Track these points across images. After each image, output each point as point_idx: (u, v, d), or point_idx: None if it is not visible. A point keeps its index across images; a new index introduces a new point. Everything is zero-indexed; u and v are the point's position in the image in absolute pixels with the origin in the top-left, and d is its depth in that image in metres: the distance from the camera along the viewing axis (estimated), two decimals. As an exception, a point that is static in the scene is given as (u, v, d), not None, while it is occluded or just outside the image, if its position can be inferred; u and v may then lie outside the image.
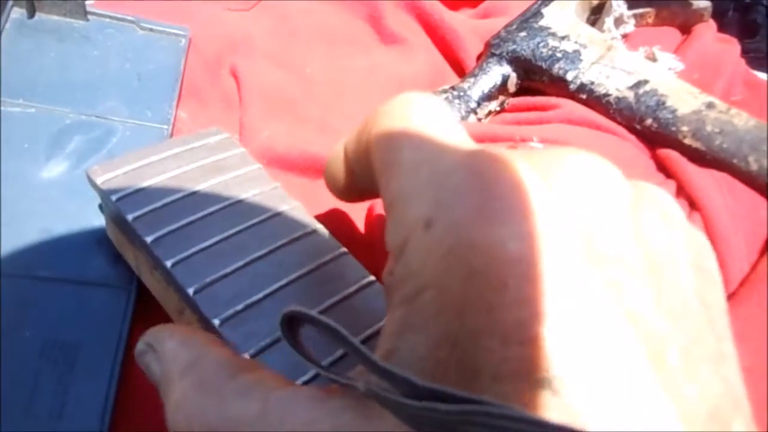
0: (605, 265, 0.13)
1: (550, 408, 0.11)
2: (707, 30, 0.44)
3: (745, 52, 0.45)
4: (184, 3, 0.53)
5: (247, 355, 0.24)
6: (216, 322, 0.25)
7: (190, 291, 0.27)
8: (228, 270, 0.27)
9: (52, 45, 0.41)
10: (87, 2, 0.43)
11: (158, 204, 0.31)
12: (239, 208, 0.30)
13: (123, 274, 0.33)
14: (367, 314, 0.26)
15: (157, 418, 0.31)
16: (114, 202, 0.30)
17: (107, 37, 0.43)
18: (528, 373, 0.11)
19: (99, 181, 0.31)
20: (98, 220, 0.35)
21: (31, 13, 0.42)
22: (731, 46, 0.43)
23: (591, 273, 0.13)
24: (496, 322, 0.12)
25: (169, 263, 0.28)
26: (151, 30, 0.44)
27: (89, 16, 0.43)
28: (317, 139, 0.41)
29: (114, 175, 0.31)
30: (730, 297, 0.30)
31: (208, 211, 0.30)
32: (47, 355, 0.31)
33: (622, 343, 0.12)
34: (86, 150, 0.37)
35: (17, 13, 0.42)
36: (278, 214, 0.30)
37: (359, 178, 0.21)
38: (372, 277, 0.27)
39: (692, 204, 0.33)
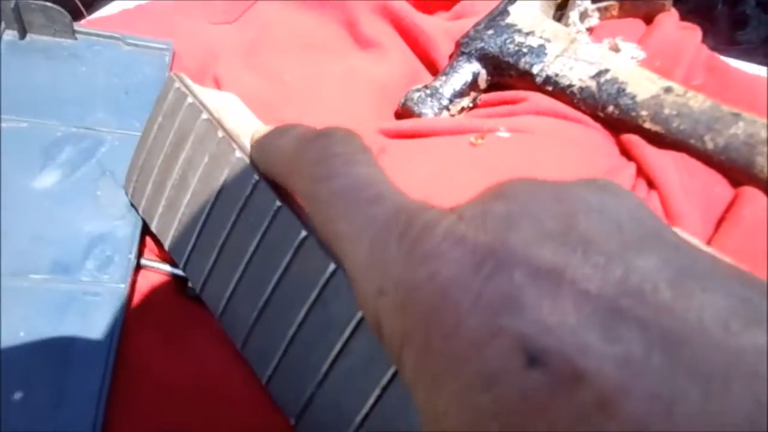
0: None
1: None
2: (669, 19, 0.46)
3: (737, 44, 0.47)
4: (169, 19, 0.55)
5: None
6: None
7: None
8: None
9: (43, 63, 0.44)
10: (75, 22, 0.45)
11: (163, 202, 0.34)
12: (215, 193, 0.32)
13: (114, 275, 0.35)
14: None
15: (148, 410, 0.33)
16: (142, 215, 0.36)
17: (95, 54, 0.45)
18: None
19: (129, 194, 0.37)
20: (90, 226, 0.37)
21: (23, 35, 0.44)
22: (692, 33, 0.45)
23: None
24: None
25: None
26: (136, 45, 0.46)
27: (77, 35, 0.45)
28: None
29: (134, 184, 0.37)
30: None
31: (197, 202, 0.32)
32: (41, 353, 0.32)
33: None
34: (77, 160, 0.39)
35: (9, 35, 0.44)
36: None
37: None
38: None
39: (650, 184, 0.34)
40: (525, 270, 0.12)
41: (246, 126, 0.34)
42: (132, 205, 0.37)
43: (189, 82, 0.34)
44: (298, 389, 0.27)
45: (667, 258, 0.12)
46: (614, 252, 0.12)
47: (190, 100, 0.33)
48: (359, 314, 0.25)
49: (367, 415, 0.25)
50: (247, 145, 0.30)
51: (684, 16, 0.47)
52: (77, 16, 0.56)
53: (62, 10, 0.43)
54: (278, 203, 0.27)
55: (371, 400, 0.24)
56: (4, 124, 0.40)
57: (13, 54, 0.43)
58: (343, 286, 0.25)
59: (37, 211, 0.37)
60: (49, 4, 0.43)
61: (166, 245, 0.34)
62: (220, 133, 0.31)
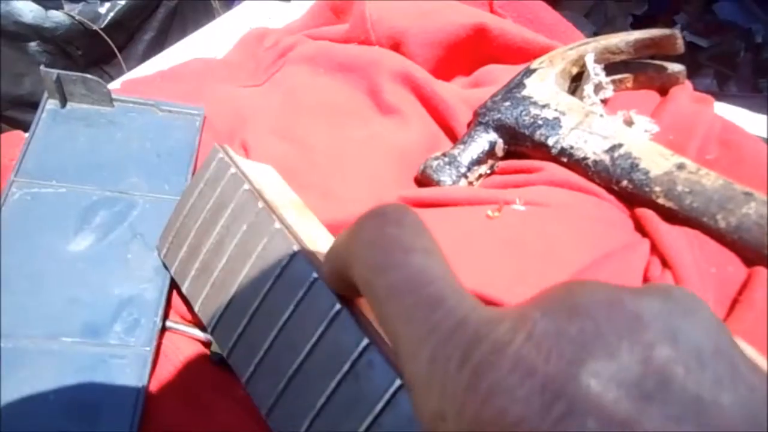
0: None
1: None
2: (682, 92, 0.47)
3: (759, 91, 0.47)
4: (200, 81, 0.58)
5: None
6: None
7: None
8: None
9: (82, 130, 0.46)
10: (112, 89, 0.48)
11: (196, 266, 0.36)
12: (251, 261, 0.33)
13: (140, 338, 0.37)
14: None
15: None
16: (173, 275, 0.37)
17: (130, 120, 0.48)
18: None
19: (162, 255, 0.38)
20: (119, 288, 0.39)
21: (63, 104, 0.47)
22: (706, 106, 0.46)
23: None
24: None
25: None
26: (169, 111, 0.49)
27: (114, 103, 0.48)
28: (319, 204, 0.44)
29: (168, 246, 0.38)
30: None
31: (231, 269, 0.34)
32: (70, 415, 0.34)
33: None
34: (110, 223, 0.42)
35: (52, 104, 0.47)
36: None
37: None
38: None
39: (664, 262, 0.35)
40: (597, 419, 0.11)
41: (284, 198, 0.36)
42: (164, 266, 0.39)
43: (232, 153, 0.37)
44: None
45: (743, 403, 0.12)
46: (690, 399, 0.12)
47: (233, 170, 0.35)
48: (391, 390, 0.25)
49: None
50: (285, 216, 0.32)
51: (706, 62, 0.48)
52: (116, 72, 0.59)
53: (100, 80, 0.46)
54: (315, 275, 0.28)
55: None
56: (43, 190, 0.42)
57: (55, 122, 0.46)
58: (377, 362, 0.26)
59: (72, 274, 0.39)
60: (88, 75, 0.46)
61: (196, 308, 0.35)
62: (260, 204, 0.33)
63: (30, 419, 0.33)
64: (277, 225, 0.31)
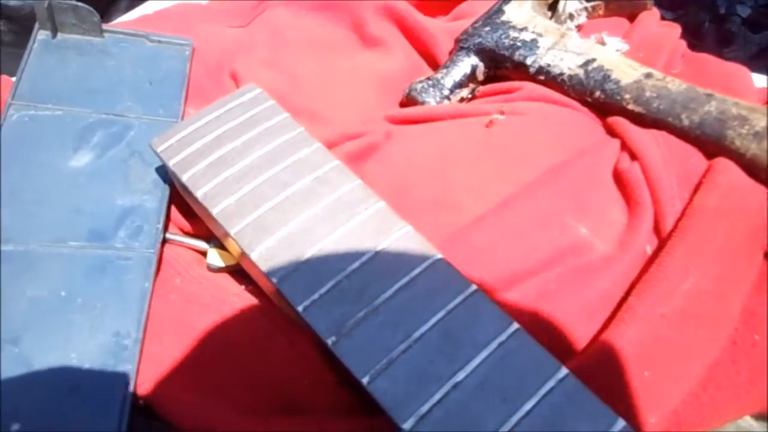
0: None
1: None
2: (651, 16, 0.50)
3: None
4: (187, 23, 0.59)
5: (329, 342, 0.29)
6: (300, 309, 0.31)
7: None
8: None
9: (74, 58, 0.47)
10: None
11: (207, 162, 0.37)
12: (282, 164, 0.37)
13: (144, 242, 0.38)
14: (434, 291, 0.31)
15: (179, 358, 0.35)
16: (171, 167, 0.37)
17: (121, 50, 0.49)
18: None
19: (159, 149, 0.38)
20: (121, 200, 0.40)
21: (54, 33, 0.48)
22: (672, 29, 0.49)
23: None
24: None
25: (232, 232, 0.34)
26: (159, 42, 0.50)
27: (105, 34, 0.49)
28: (308, 127, 0.46)
29: (169, 144, 0.39)
30: (674, 229, 0.35)
31: (254, 167, 0.37)
32: (79, 313, 0.35)
33: None
34: (108, 142, 0.43)
35: (43, 35, 0.48)
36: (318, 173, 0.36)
37: None
38: (437, 255, 0.32)
39: (633, 156, 0.38)
40: None
41: None
42: (161, 159, 0.39)
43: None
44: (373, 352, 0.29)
45: None
46: None
47: (272, 102, 0.40)
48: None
49: None
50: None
51: None
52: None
53: (92, 9, 0.47)
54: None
55: None
56: (41, 112, 0.43)
57: (47, 51, 0.47)
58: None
59: (73, 187, 0.40)
60: (79, 3, 0.47)
61: (198, 194, 0.36)
62: (300, 129, 0.38)
63: (40, 320, 0.34)
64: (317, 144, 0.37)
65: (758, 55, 1.33)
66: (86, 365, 0.33)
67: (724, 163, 0.37)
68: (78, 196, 0.40)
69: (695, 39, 1.37)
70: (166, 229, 0.41)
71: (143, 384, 0.33)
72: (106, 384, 0.33)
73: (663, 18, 0.52)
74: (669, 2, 1.40)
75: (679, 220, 0.35)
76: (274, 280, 0.32)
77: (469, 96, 0.50)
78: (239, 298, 0.38)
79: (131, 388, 0.33)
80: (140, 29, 0.52)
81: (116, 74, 0.47)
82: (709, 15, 1.43)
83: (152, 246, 0.38)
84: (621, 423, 0.26)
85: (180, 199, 0.42)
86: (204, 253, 0.41)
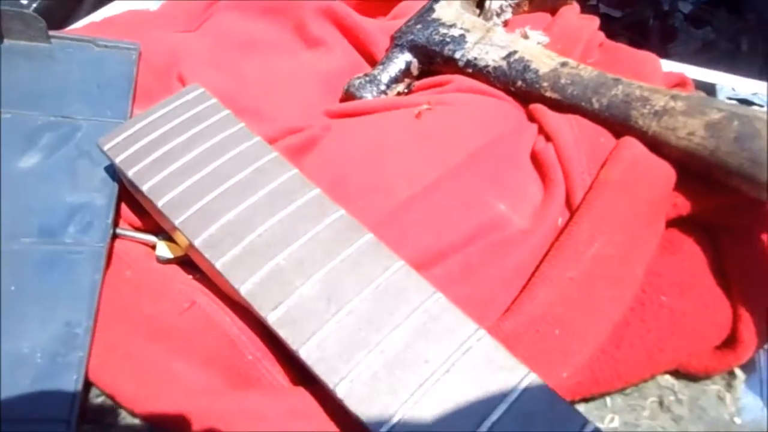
0: None
1: None
2: (570, 10, 0.54)
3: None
4: (134, 29, 0.61)
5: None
6: (241, 290, 0.33)
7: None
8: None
9: (22, 63, 0.49)
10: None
11: (152, 158, 0.40)
12: (223, 158, 0.39)
13: (94, 237, 0.40)
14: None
15: (130, 343, 0.37)
16: (118, 164, 0.40)
17: (68, 56, 0.51)
18: None
19: (105, 147, 0.41)
20: (71, 197, 0.42)
21: (0, 40, 0.49)
22: (589, 21, 0.53)
23: None
24: None
25: (177, 222, 0.37)
26: (106, 47, 0.52)
27: (52, 40, 0.51)
28: (253, 124, 0.49)
29: (116, 142, 0.41)
30: (582, 202, 0.38)
31: (197, 162, 0.39)
32: (32, 306, 0.37)
33: None
34: (56, 143, 0.45)
35: (-11, 41, 0.49)
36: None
37: None
38: (368, 234, 0.34)
39: (548, 138, 0.41)
40: None
41: None
42: (108, 158, 0.41)
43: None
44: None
45: None
46: None
47: (214, 100, 0.43)
48: None
49: None
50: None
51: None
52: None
53: (37, 16, 0.49)
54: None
55: None
56: (-12, 116, 0.45)
57: (-6, 57, 0.48)
58: None
59: (23, 186, 0.42)
60: (25, 11, 0.48)
61: (145, 188, 0.39)
62: (240, 125, 0.41)
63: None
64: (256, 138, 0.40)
65: (702, 50, 1.39)
66: (38, 354, 0.35)
67: (629, 141, 0.40)
68: (28, 195, 0.41)
69: (641, 36, 1.43)
70: (116, 224, 0.43)
71: (95, 370, 0.35)
72: (58, 371, 0.35)
73: (642, 36, 0.55)
74: (617, 1, 1.45)
75: (587, 193, 0.38)
76: (217, 265, 0.34)
77: (405, 90, 0.53)
78: (187, 286, 0.40)
79: (82, 374, 0.35)
80: (88, 35, 0.53)
81: (64, 78, 0.49)
82: (653, 12, 1.49)
83: (102, 240, 0.40)
84: (532, 376, 0.29)
85: (130, 196, 0.44)
86: (153, 247, 0.43)
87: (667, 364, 0.39)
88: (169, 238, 0.43)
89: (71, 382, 0.34)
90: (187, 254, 0.42)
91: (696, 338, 0.38)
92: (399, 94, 0.52)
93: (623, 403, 0.39)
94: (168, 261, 0.42)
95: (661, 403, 0.39)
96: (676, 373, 0.40)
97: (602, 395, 0.38)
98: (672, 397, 0.40)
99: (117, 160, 0.40)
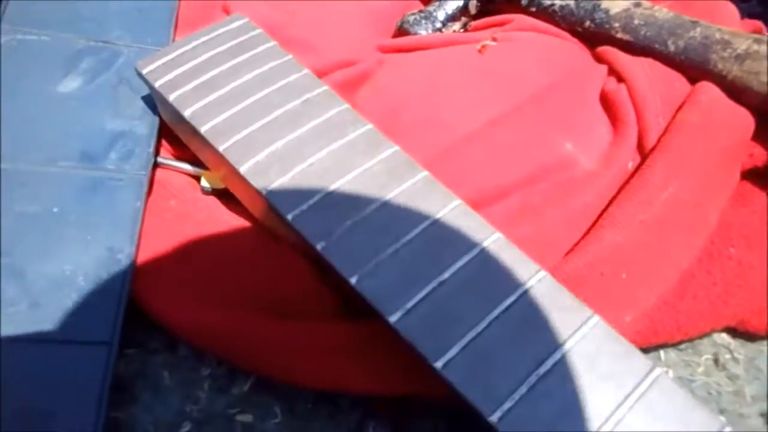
0: None
1: None
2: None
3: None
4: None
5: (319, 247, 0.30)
6: (289, 217, 0.31)
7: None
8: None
9: (61, -14, 0.47)
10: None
11: (194, 84, 0.37)
12: (270, 88, 0.37)
13: (135, 165, 0.39)
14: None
15: (176, 272, 0.36)
16: (157, 87, 0.37)
17: (110, -21, 0.48)
18: None
19: (144, 71, 0.38)
20: (111, 124, 0.41)
21: (41, -40, 0.47)
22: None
23: None
24: None
25: (221, 148, 0.34)
26: (148, -27, 0.50)
27: (93, -38, 0.48)
28: (300, 56, 0.46)
29: (155, 66, 0.39)
30: (657, 144, 0.36)
31: (242, 90, 0.37)
32: (71, 230, 0.36)
33: None
34: (97, 68, 0.43)
35: (27, -38, 0.47)
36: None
37: None
38: (424, 172, 0.32)
39: (620, 79, 0.39)
40: None
41: None
42: (146, 83, 0.39)
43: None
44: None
45: None
46: None
47: (259, 30, 0.40)
48: None
49: None
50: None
51: None
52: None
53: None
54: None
55: None
56: (27, 37, 0.43)
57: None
58: None
59: (64, 111, 0.40)
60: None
61: (186, 113, 0.37)
62: (288, 57, 0.38)
63: (33, 233, 0.35)
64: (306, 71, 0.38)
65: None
66: (80, 277, 0.34)
67: (706, 86, 0.37)
68: (68, 119, 0.40)
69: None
70: (157, 153, 0.41)
71: (138, 295, 0.34)
72: (101, 294, 0.33)
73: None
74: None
75: (661, 136, 0.35)
76: (264, 192, 0.33)
77: (462, 30, 0.50)
78: (233, 218, 0.38)
79: (125, 298, 0.34)
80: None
81: (105, 2, 0.47)
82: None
83: (143, 168, 0.39)
84: (596, 318, 0.28)
85: (169, 129, 0.42)
86: (197, 178, 0.42)
87: (728, 318, 0.37)
88: (208, 171, 0.41)
89: (113, 306, 0.33)
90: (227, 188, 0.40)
91: (761, 294, 0.36)
92: (455, 33, 0.50)
93: (677, 358, 0.38)
94: (213, 192, 0.41)
95: (716, 361, 0.38)
96: (733, 332, 0.38)
97: (657, 347, 0.37)
98: (728, 356, 0.38)
99: (156, 85, 0.38)
